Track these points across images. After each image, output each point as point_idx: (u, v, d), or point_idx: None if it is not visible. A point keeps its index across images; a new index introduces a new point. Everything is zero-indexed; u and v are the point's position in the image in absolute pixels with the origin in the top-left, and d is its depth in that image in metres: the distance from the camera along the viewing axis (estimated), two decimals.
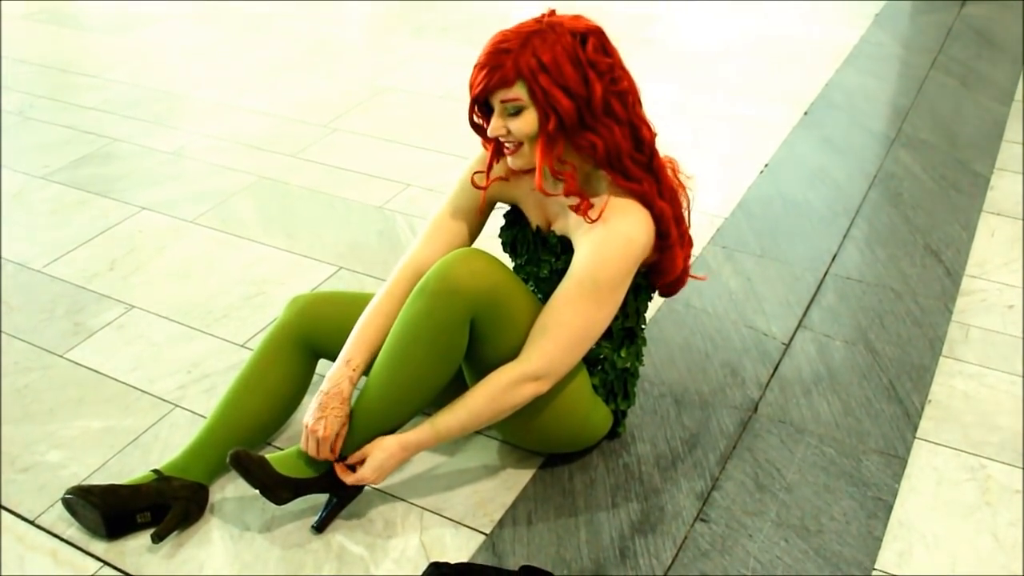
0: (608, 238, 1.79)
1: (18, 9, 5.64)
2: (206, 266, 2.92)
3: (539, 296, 2.00)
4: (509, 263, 2.08)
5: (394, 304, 1.95)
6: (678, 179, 1.90)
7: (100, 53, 4.92)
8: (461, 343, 1.84)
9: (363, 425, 1.90)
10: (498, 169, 1.97)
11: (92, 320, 2.66)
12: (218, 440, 2.04)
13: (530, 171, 1.89)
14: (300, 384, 2.12)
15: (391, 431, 1.91)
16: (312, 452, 1.89)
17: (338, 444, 1.89)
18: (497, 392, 1.84)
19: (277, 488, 1.88)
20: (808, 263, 2.84)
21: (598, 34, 1.76)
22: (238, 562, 1.90)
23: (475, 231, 2.06)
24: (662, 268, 1.93)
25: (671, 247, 1.89)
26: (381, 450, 1.87)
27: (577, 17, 1.77)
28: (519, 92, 1.73)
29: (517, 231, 2.05)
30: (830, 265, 2.83)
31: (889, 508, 2.00)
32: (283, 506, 1.98)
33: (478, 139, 1.95)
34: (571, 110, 1.73)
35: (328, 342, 2.08)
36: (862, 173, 3.38)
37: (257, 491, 1.90)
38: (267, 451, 2.13)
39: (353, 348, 1.93)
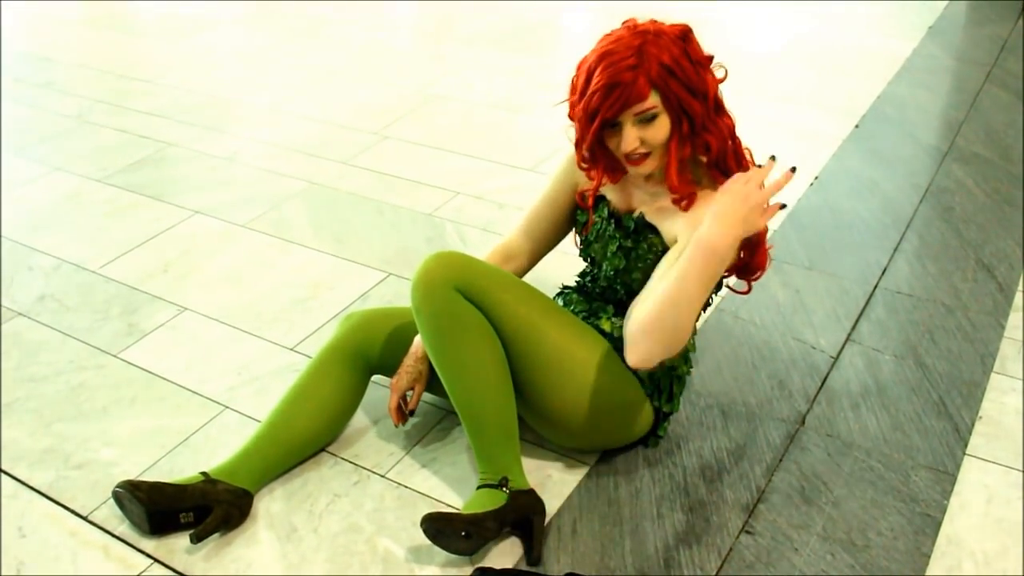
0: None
1: (75, 14, 5.75)
2: (257, 270, 2.96)
3: (606, 271, 2.04)
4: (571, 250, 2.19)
5: None
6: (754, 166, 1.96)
7: (155, 58, 5.01)
8: (466, 308, 1.90)
9: (484, 428, 1.96)
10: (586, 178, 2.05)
11: (146, 321, 2.70)
12: (267, 449, 2.07)
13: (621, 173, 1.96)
14: (352, 399, 2.16)
15: (513, 415, 1.97)
16: (392, 408, 2.10)
17: (414, 400, 2.10)
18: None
19: (481, 522, 1.86)
20: (858, 276, 2.82)
21: (691, 31, 1.82)
22: (285, 562, 1.92)
23: (564, 223, 2.17)
24: (753, 266, 1.99)
25: (759, 244, 1.95)
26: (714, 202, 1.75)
27: (656, 22, 1.82)
28: (654, 100, 1.77)
29: (594, 213, 2.07)
30: (880, 278, 2.81)
31: (938, 524, 1.98)
32: (340, 513, 2.03)
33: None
34: (700, 110, 1.79)
35: (383, 358, 2.15)
36: (913, 186, 3.35)
37: (468, 539, 1.85)
38: (318, 455, 2.17)
39: None
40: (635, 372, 2.01)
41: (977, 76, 4.32)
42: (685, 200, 1.88)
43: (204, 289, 2.86)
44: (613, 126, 1.82)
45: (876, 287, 2.77)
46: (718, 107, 1.86)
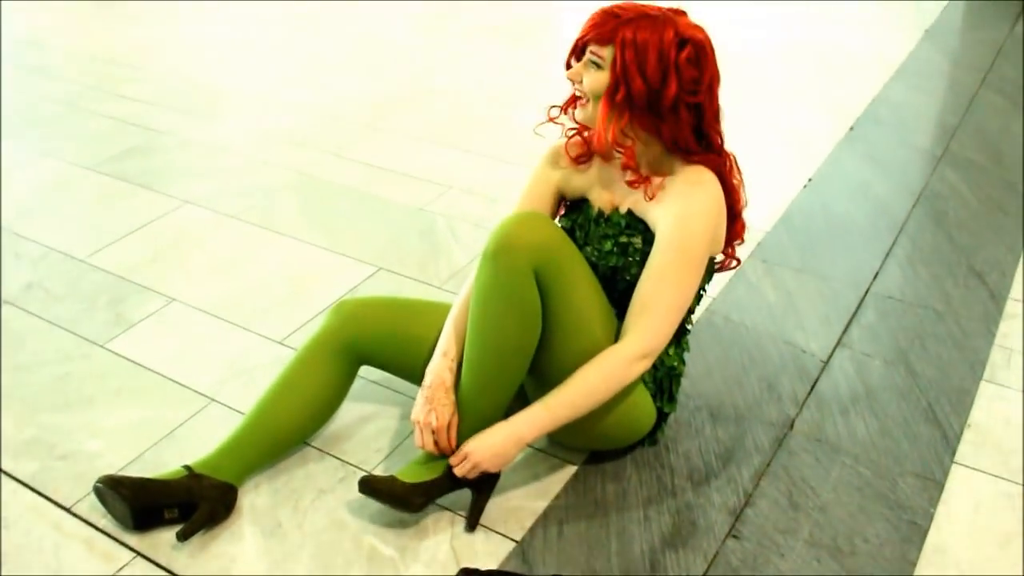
0: (688, 211, 1.87)
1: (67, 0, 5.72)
2: (247, 261, 2.94)
3: (603, 270, 2.00)
4: None
5: None
6: (738, 176, 1.98)
7: (147, 46, 4.98)
8: (533, 298, 1.85)
9: (469, 410, 1.94)
10: (570, 151, 2.07)
11: (133, 312, 2.68)
12: (251, 442, 2.05)
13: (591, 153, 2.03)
14: (339, 390, 2.13)
15: (499, 412, 1.95)
16: (430, 447, 1.95)
17: (452, 434, 1.95)
18: (613, 370, 1.88)
19: (408, 496, 1.91)
20: (849, 280, 2.81)
21: (699, 46, 1.82)
22: (268, 558, 1.90)
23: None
24: (732, 236, 2.04)
25: (738, 216, 2.01)
26: (488, 433, 1.91)
27: (696, 25, 1.84)
28: (605, 53, 1.83)
29: (576, 216, 2.06)
30: (871, 283, 2.80)
31: (924, 532, 1.97)
32: (325, 509, 2.00)
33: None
34: (640, 92, 1.81)
35: (374, 348, 2.12)
36: (907, 191, 3.35)
37: (391, 506, 1.93)
38: (304, 450, 2.15)
39: (448, 340, 2.00)
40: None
41: (972, 80, 4.32)
42: (640, 184, 1.91)
43: (193, 280, 2.84)
44: (579, 58, 1.91)
45: (868, 291, 2.76)
46: (677, 112, 1.83)
